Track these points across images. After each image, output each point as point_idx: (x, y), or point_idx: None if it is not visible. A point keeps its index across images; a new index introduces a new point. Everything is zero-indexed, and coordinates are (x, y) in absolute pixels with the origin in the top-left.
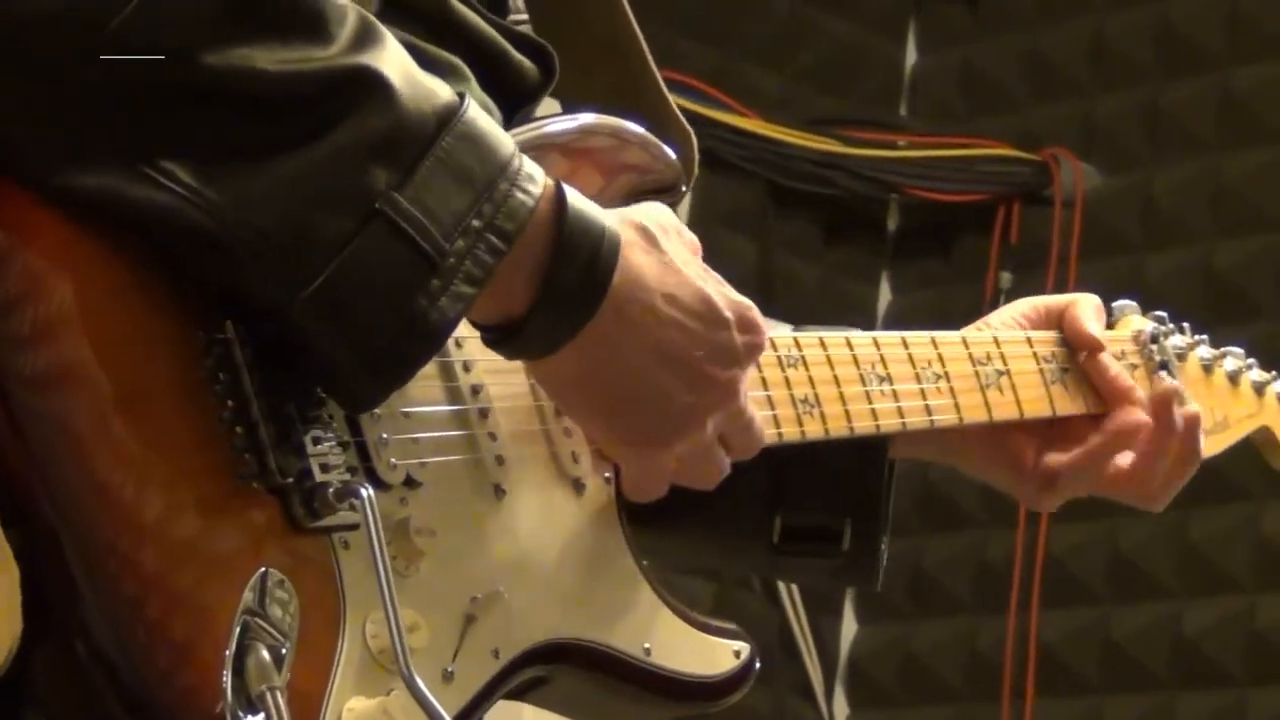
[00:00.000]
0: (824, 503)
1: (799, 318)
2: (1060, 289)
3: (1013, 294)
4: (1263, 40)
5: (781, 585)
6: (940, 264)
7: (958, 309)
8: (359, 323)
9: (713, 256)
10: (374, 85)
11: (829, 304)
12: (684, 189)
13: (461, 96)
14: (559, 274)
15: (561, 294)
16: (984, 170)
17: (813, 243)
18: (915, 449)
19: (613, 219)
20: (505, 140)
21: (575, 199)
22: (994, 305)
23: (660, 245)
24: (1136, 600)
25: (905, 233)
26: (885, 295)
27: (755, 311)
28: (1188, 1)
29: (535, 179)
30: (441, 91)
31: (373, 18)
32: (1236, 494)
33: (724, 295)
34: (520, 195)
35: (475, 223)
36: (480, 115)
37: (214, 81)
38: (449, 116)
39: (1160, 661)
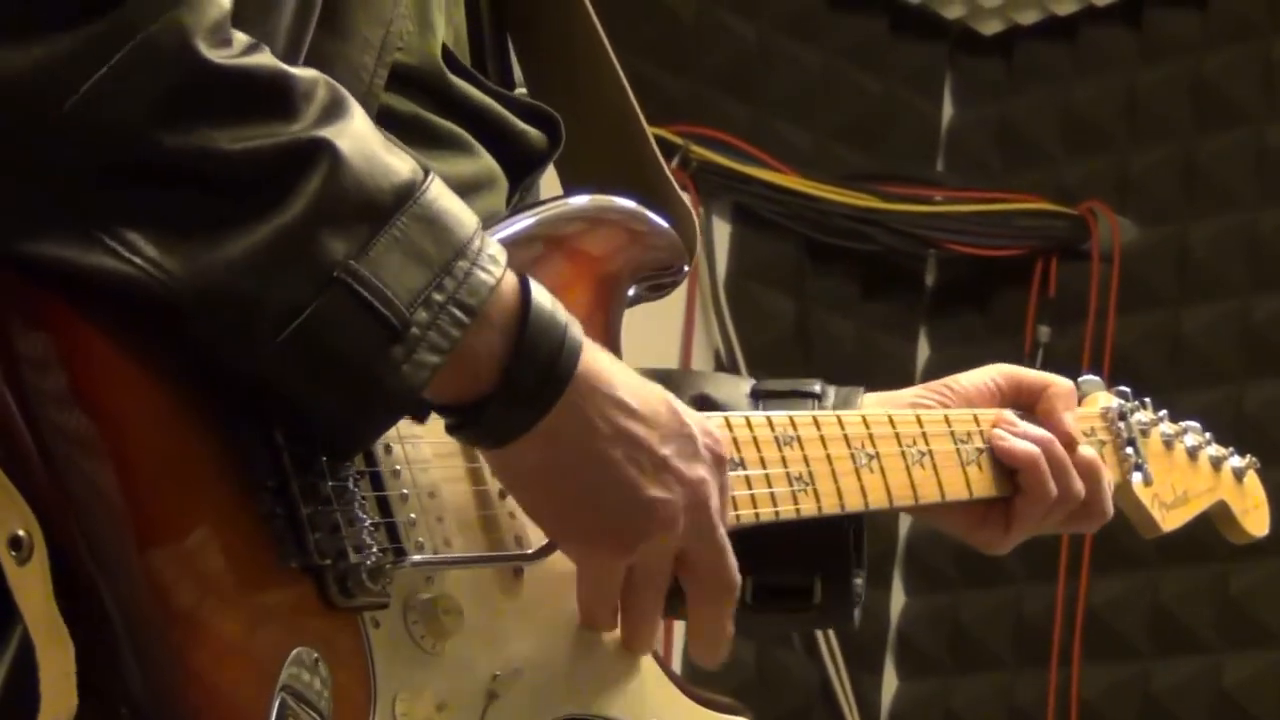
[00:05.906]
0: (793, 563)
1: (837, 374)
2: (1098, 343)
3: (1051, 348)
4: None
5: (821, 641)
6: (978, 319)
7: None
8: (319, 386)
9: (749, 314)
10: (330, 159)
11: (867, 360)
12: (686, 269)
13: (427, 173)
14: (519, 369)
15: (520, 389)
16: (1021, 225)
17: (850, 299)
18: None
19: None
20: (466, 221)
21: (540, 294)
22: (1033, 359)
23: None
24: (1177, 653)
25: (943, 288)
26: (924, 351)
27: (713, 424)
28: (1222, 55)
29: (497, 260)
30: (402, 168)
31: (343, 91)
32: (1276, 548)
33: (682, 406)
34: (481, 274)
35: (437, 296)
36: (441, 195)
37: (172, 160)
38: (406, 195)
39: (1201, 715)
